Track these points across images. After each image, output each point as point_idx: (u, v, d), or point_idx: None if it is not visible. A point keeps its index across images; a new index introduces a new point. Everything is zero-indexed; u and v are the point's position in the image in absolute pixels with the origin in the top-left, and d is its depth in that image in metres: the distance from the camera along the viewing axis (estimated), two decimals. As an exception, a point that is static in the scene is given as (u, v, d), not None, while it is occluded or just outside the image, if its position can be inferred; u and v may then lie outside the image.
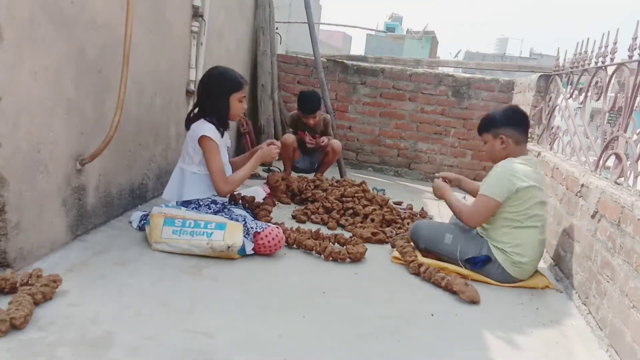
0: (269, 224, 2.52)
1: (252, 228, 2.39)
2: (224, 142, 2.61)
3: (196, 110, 2.59)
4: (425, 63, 5.57)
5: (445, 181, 2.82)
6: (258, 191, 2.99)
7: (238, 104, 2.58)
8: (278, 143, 2.75)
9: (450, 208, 2.65)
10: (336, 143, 4.17)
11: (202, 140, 2.44)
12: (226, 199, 2.70)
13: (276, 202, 2.87)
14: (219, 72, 2.59)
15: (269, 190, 3.17)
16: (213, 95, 2.52)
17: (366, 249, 2.60)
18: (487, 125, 2.59)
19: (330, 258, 2.49)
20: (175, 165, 2.63)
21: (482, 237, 2.54)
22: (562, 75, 3.73)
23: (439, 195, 2.78)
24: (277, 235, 2.42)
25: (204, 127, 2.46)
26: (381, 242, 2.91)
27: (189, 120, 2.57)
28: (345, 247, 2.61)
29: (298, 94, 4.13)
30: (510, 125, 2.52)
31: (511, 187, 2.39)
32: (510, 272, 2.45)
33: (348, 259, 2.52)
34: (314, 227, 2.95)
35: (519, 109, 2.62)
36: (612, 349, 1.92)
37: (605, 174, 2.66)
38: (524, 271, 2.47)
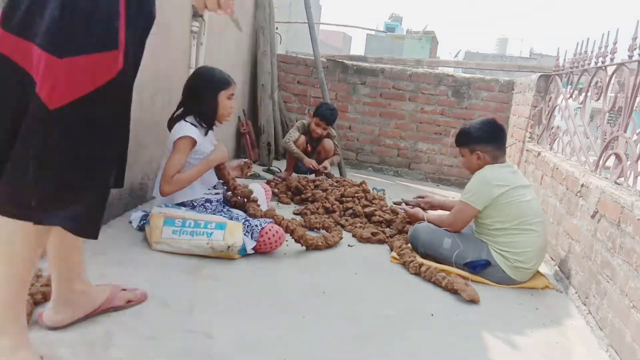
0: (267, 220, 2.50)
1: (256, 226, 2.39)
2: (208, 141, 2.59)
3: (179, 111, 2.55)
4: (426, 63, 5.57)
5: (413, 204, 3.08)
6: (258, 189, 2.99)
7: (227, 102, 2.54)
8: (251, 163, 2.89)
9: (434, 224, 2.71)
10: (327, 143, 4.15)
11: (182, 139, 2.39)
12: (220, 197, 2.69)
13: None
14: (206, 70, 2.57)
15: (269, 189, 3.18)
16: (201, 94, 2.49)
17: (341, 238, 2.79)
18: (464, 140, 2.63)
19: (302, 243, 2.52)
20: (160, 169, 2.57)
21: (482, 241, 2.54)
22: (562, 76, 3.73)
23: (416, 219, 2.92)
24: (277, 232, 2.42)
25: (185, 129, 2.41)
26: (381, 242, 2.91)
27: (172, 121, 2.53)
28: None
29: (320, 105, 4.10)
30: (487, 142, 2.56)
31: (489, 195, 2.45)
32: (512, 275, 2.45)
33: (321, 243, 2.61)
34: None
35: (496, 124, 2.62)
36: (612, 349, 1.92)
37: (605, 174, 2.67)
38: (525, 274, 2.47)
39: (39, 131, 1.12)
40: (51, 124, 1.13)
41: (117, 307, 1.70)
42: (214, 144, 2.65)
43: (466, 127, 2.66)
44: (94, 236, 1.26)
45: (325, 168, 4.01)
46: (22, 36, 1.12)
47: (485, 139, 2.56)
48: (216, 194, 2.66)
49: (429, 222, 2.74)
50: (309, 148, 4.16)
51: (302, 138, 4.08)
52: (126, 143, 1.41)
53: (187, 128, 2.42)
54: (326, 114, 3.98)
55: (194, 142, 2.43)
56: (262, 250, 2.40)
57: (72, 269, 1.51)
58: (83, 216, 1.23)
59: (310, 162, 3.97)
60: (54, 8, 1.09)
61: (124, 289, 1.75)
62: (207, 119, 2.54)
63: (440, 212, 2.87)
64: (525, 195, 2.46)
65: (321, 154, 4.16)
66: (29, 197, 1.15)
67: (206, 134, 2.55)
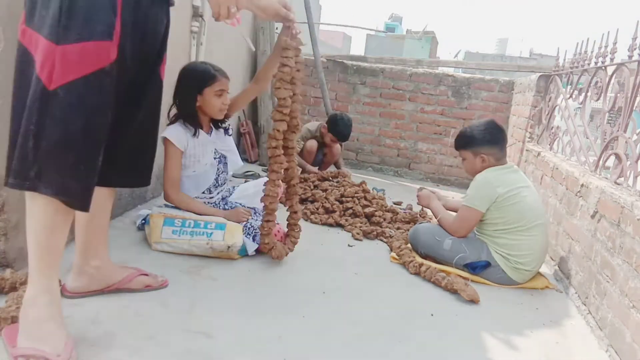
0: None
1: (258, 228, 2.37)
2: (201, 143, 2.46)
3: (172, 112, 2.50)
4: (426, 63, 5.57)
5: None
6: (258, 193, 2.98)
7: (216, 99, 2.36)
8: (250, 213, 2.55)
9: (435, 217, 2.71)
10: (336, 149, 4.28)
11: (164, 142, 2.36)
12: (215, 201, 2.63)
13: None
14: (189, 68, 2.42)
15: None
16: (182, 93, 2.40)
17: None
18: (467, 143, 2.60)
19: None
20: None
21: (482, 241, 2.54)
22: (562, 76, 3.73)
23: (425, 204, 2.90)
24: (278, 232, 2.42)
25: (167, 129, 2.37)
26: (378, 235, 2.96)
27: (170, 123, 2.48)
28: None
29: (333, 116, 4.12)
30: (490, 144, 2.54)
31: (491, 196, 2.44)
32: (512, 276, 2.45)
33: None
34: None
35: (497, 125, 2.60)
36: (612, 349, 1.92)
37: (605, 174, 2.67)
38: (525, 275, 2.47)
39: (38, 109, 1.26)
40: (49, 103, 1.26)
41: (134, 289, 1.84)
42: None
43: (468, 130, 2.60)
44: (85, 209, 1.36)
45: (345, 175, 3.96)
46: (35, 29, 1.28)
47: (489, 141, 2.53)
48: (210, 197, 2.60)
49: (436, 213, 2.74)
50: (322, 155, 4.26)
51: (313, 143, 4.12)
52: (151, 144, 1.67)
53: (170, 129, 2.38)
54: (344, 133, 4.05)
55: (176, 150, 2.36)
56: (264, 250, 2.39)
57: (88, 247, 1.70)
58: (74, 190, 1.33)
59: (312, 170, 4.04)
60: (57, 2, 1.25)
61: (145, 274, 1.90)
62: (190, 120, 2.40)
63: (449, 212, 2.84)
64: (527, 197, 2.46)
65: (327, 156, 4.25)
66: (29, 168, 1.28)
67: (195, 134, 2.41)
